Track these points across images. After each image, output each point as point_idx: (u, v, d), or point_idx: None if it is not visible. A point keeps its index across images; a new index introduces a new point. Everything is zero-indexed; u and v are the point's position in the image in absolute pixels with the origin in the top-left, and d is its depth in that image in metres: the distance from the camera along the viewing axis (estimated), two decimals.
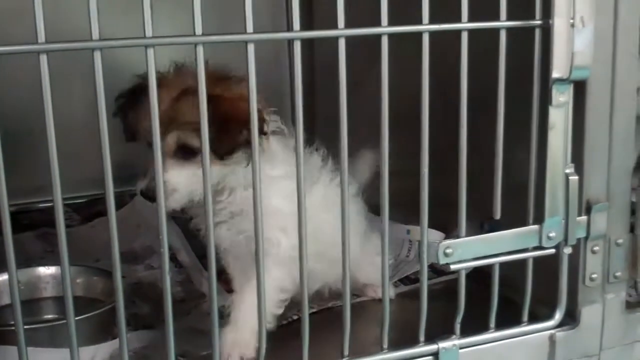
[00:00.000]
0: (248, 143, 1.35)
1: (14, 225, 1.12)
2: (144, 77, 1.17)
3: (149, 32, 1.10)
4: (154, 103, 1.13)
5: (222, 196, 1.50)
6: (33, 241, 2.20)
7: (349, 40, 1.22)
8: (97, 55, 1.08)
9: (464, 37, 1.30)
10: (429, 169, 1.33)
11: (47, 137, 1.08)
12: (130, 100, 1.46)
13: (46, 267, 1.76)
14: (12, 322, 1.14)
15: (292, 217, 1.33)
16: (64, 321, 1.18)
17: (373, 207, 2.32)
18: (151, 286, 1.88)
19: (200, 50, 1.13)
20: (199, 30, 1.12)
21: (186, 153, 1.40)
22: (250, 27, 1.14)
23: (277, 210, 1.44)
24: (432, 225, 1.44)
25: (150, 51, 1.11)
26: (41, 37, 1.04)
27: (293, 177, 1.35)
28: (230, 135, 1.37)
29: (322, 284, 1.66)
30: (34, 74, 1.06)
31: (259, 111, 1.38)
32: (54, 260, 1.82)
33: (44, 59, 1.05)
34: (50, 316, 1.70)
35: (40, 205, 2.39)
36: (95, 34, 1.07)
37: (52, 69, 1.07)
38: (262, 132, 1.41)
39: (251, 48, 1.15)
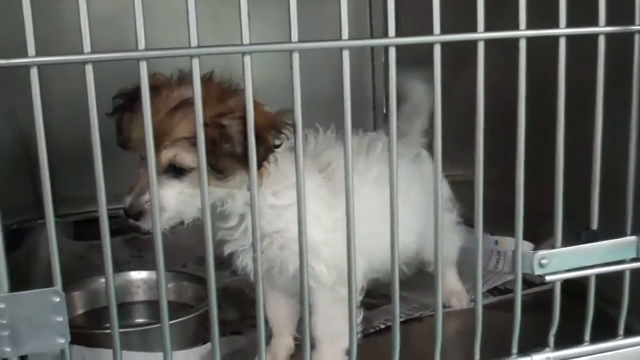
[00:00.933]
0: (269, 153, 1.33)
1: None
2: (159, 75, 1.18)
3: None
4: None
5: (230, 222, 1.44)
6: (121, 246, 2.24)
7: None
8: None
9: (562, 42, 1.27)
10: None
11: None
12: (128, 102, 1.36)
13: (137, 272, 1.79)
14: (107, 325, 1.15)
15: (320, 238, 1.33)
16: (156, 325, 1.19)
17: (464, 218, 2.32)
18: (238, 292, 1.89)
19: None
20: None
21: (178, 170, 1.33)
22: (345, 34, 1.13)
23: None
24: (524, 236, 1.39)
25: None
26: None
27: (315, 194, 1.35)
28: (261, 142, 1.29)
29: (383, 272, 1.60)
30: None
31: (276, 123, 1.35)
32: (141, 265, 1.85)
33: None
34: (141, 320, 1.73)
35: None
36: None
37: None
38: (276, 146, 1.35)
39: (346, 54, 1.14)
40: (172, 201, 1.32)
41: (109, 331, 1.14)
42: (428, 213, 1.26)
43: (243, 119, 1.15)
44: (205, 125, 1.25)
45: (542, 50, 1.25)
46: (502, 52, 1.25)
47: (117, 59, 1.07)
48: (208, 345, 1.47)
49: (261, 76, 1.17)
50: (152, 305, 1.72)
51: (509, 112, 1.28)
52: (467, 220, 2.26)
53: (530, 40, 1.24)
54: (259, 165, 1.31)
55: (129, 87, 1.32)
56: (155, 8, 1.56)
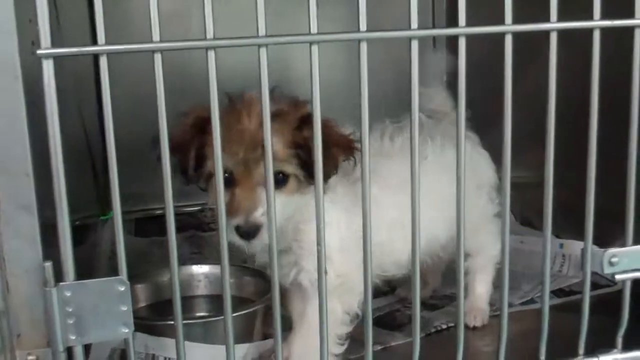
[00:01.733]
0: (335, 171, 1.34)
1: (164, 228, 1.13)
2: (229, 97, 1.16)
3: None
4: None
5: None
6: (181, 243, 2.25)
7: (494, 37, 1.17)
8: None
9: (638, 34, 1.23)
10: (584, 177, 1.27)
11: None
12: (193, 133, 1.34)
13: (199, 266, 1.79)
14: (170, 317, 1.15)
15: (336, 244, 1.30)
16: (218, 318, 1.18)
17: (523, 219, 2.29)
18: None
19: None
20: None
21: (280, 180, 1.32)
22: (415, 23, 1.11)
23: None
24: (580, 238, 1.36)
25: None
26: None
27: (338, 201, 1.34)
28: (331, 158, 1.29)
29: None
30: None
31: (351, 139, 1.36)
32: (205, 261, 1.86)
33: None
34: (202, 314, 1.73)
35: (189, 208, 2.42)
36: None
37: None
38: (351, 158, 1.36)
39: (415, 44, 1.12)
40: (279, 211, 1.26)
41: (171, 322, 1.14)
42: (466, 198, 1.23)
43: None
44: (295, 129, 1.31)
45: (615, 44, 1.22)
46: (570, 47, 1.22)
47: (186, 47, 1.08)
48: (269, 340, 1.46)
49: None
50: (213, 299, 1.73)
51: (576, 110, 1.25)
52: (531, 223, 2.25)
53: (603, 32, 1.21)
54: (325, 178, 1.30)
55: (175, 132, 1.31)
56: (221, 6, 1.56)
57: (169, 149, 1.11)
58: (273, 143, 1.21)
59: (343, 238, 1.40)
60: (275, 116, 1.22)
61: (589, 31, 1.21)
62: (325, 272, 1.17)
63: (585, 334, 1.34)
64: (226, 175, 1.28)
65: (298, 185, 1.35)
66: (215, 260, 1.58)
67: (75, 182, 2.06)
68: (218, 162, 1.10)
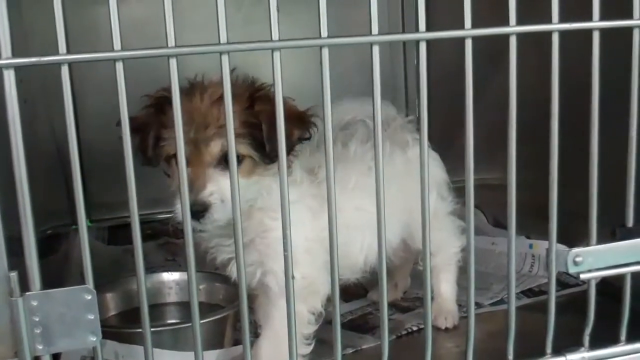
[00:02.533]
0: (299, 142, 1.35)
1: None
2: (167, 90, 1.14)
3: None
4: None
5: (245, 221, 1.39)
6: (154, 250, 2.25)
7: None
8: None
9: (596, 37, 1.25)
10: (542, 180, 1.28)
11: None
12: (154, 114, 1.36)
13: (170, 273, 1.79)
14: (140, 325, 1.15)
15: (301, 245, 1.30)
16: (187, 325, 1.18)
17: (495, 221, 2.30)
18: None
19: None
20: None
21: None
22: (375, 29, 1.12)
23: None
24: (557, 239, 1.37)
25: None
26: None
27: (304, 201, 1.34)
28: (287, 135, 1.26)
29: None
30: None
31: (307, 114, 1.36)
32: (177, 268, 1.86)
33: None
34: (173, 321, 1.72)
35: (162, 215, 2.42)
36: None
37: None
38: (307, 138, 1.37)
39: (376, 50, 1.13)
40: (228, 192, 1.26)
41: (140, 330, 1.14)
42: (417, 200, 1.24)
43: (271, 110, 1.14)
44: (246, 109, 1.31)
45: (574, 47, 1.24)
46: (534, 51, 1.24)
47: (147, 56, 1.08)
48: (240, 346, 1.46)
49: (290, 77, 1.16)
50: (184, 307, 1.73)
51: (540, 112, 1.26)
52: (503, 224, 2.26)
53: (562, 36, 1.22)
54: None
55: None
56: (185, 13, 1.56)
57: (130, 129, 1.11)
58: (221, 124, 1.26)
59: (308, 239, 1.40)
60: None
61: (547, 33, 1.22)
62: (293, 277, 1.18)
63: (552, 333, 1.35)
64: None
65: (253, 166, 1.35)
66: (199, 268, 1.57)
67: (47, 191, 2.07)
68: (180, 149, 1.11)
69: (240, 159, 1.31)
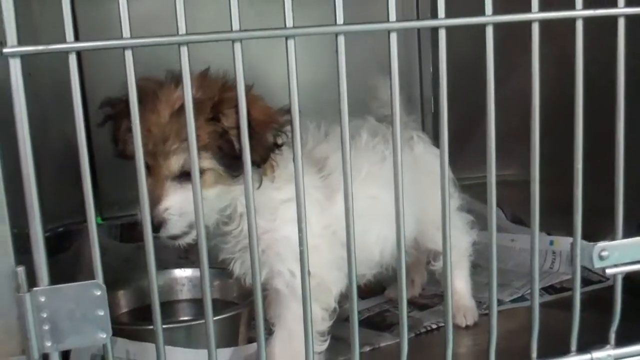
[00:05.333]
0: (275, 148, 1.30)
1: None
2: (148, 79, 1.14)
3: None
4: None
5: (232, 224, 1.40)
6: (167, 248, 2.21)
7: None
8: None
9: (621, 23, 1.21)
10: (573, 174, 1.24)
11: None
12: (124, 108, 1.26)
13: (182, 269, 1.77)
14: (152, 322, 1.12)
15: (310, 241, 1.19)
16: (200, 321, 1.16)
17: (514, 217, 2.27)
18: None
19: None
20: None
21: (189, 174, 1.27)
22: (393, 16, 1.08)
23: (288, 239, 1.28)
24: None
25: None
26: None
27: (309, 191, 1.24)
28: (260, 141, 1.26)
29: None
30: None
31: (276, 119, 1.30)
32: (190, 265, 1.83)
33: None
34: (186, 318, 1.70)
35: None
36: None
37: None
38: (278, 145, 1.32)
39: (394, 37, 1.09)
40: (189, 207, 1.23)
41: (152, 327, 1.11)
42: (424, 197, 1.20)
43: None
44: (210, 120, 1.26)
45: (597, 36, 1.20)
46: (552, 42, 1.20)
47: (157, 43, 1.04)
48: (253, 344, 1.43)
49: (303, 70, 1.12)
50: (197, 304, 1.70)
51: (560, 106, 1.23)
52: (521, 221, 2.23)
53: (586, 26, 1.18)
54: (259, 164, 1.28)
55: (113, 96, 1.31)
56: (196, 7, 1.53)
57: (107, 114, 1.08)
58: (183, 137, 1.22)
59: (314, 235, 1.34)
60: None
61: (572, 23, 1.18)
62: (309, 273, 1.14)
63: (577, 330, 1.31)
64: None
65: (217, 178, 1.31)
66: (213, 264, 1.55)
67: (58, 189, 2.05)
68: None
69: (201, 171, 1.25)
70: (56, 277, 1.07)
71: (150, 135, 1.26)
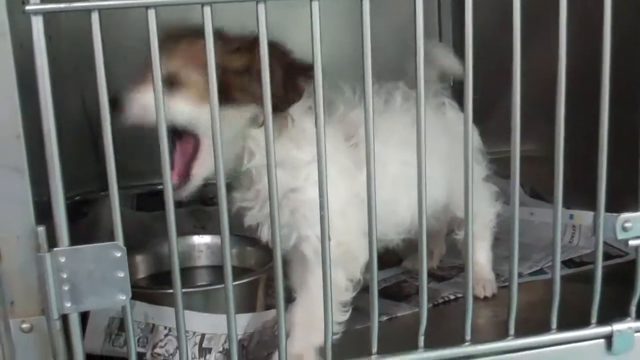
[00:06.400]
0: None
1: None
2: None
3: None
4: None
5: (250, 178, 1.36)
6: (184, 218, 2.22)
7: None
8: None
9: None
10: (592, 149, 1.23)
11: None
12: None
13: (200, 236, 1.76)
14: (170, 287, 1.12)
15: (336, 207, 1.19)
16: (218, 286, 1.16)
17: (533, 192, 2.25)
18: None
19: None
20: None
21: (171, 80, 1.26)
22: None
23: (315, 201, 1.17)
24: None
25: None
26: None
27: (334, 159, 1.26)
28: (291, 82, 1.25)
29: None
30: None
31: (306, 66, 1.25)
32: (208, 231, 1.83)
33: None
34: (204, 284, 1.68)
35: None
36: None
37: None
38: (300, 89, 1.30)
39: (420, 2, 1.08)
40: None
41: (171, 291, 1.11)
42: (455, 164, 1.18)
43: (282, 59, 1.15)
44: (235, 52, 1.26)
45: (628, 13, 1.18)
46: (583, 15, 1.18)
47: (181, 3, 1.04)
48: (272, 311, 1.43)
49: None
50: (215, 270, 1.70)
51: (582, 81, 1.21)
52: (540, 196, 2.21)
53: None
54: (281, 106, 1.26)
55: None
56: None
57: None
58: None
59: (343, 200, 1.33)
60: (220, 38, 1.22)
61: None
62: (330, 239, 1.13)
63: (597, 302, 1.30)
64: None
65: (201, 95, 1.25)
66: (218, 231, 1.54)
67: (76, 158, 2.05)
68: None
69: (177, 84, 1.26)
70: (74, 244, 1.07)
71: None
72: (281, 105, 1.26)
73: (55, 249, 1.05)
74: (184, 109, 1.26)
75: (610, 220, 1.26)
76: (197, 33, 1.10)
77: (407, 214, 1.46)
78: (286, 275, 1.43)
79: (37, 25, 0.99)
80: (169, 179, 1.09)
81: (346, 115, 1.43)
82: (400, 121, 1.45)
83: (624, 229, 1.26)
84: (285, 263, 1.39)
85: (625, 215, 1.26)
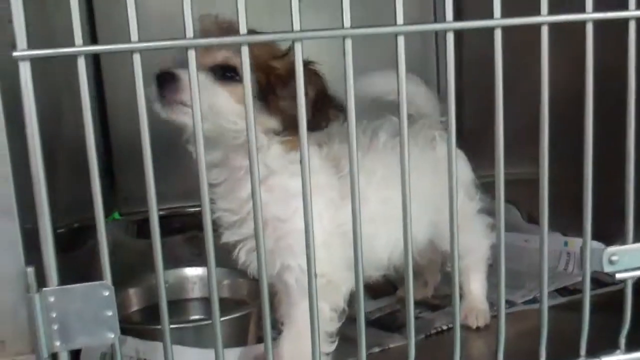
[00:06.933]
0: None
1: (165, 229, 1.12)
2: None
3: (296, 27, 1.06)
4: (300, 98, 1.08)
5: (239, 192, 1.37)
6: (182, 244, 2.23)
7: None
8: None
9: (632, 27, 1.19)
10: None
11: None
12: None
13: (194, 268, 1.77)
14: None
15: (319, 239, 1.19)
16: (209, 322, 1.17)
17: (530, 217, 2.25)
18: None
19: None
20: (347, 23, 1.07)
21: (226, 75, 1.30)
22: (400, 19, 1.08)
23: (301, 232, 1.15)
24: (593, 236, 1.32)
25: (298, 45, 1.06)
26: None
27: (321, 191, 1.29)
28: (322, 109, 1.29)
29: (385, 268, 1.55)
30: None
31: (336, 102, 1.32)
32: (202, 263, 1.83)
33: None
34: (197, 317, 1.71)
35: (191, 209, 2.40)
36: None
37: None
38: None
39: (401, 40, 1.09)
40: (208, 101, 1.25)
41: (160, 327, 1.13)
42: (442, 200, 1.19)
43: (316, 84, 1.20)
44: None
45: (610, 38, 1.19)
46: (567, 42, 1.19)
47: (165, 47, 1.05)
48: (262, 345, 1.44)
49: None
50: (208, 302, 1.67)
51: (577, 105, 1.22)
52: (537, 221, 2.21)
53: (597, 26, 1.17)
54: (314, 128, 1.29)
55: None
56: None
57: None
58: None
59: (326, 232, 1.35)
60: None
61: (582, 25, 1.17)
62: (316, 276, 1.15)
63: (586, 334, 1.30)
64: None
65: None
66: (223, 263, 1.55)
67: (74, 184, 2.06)
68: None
69: (237, 78, 1.28)
70: (72, 273, 1.10)
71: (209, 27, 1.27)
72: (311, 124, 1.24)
73: (44, 288, 1.06)
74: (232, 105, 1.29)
75: (597, 253, 1.27)
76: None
77: (384, 252, 1.48)
78: (275, 309, 1.44)
79: (25, 71, 1.01)
80: (155, 209, 1.10)
81: (335, 148, 1.44)
82: (383, 159, 1.47)
83: (611, 262, 1.27)
84: (272, 295, 1.40)
85: (612, 248, 1.26)
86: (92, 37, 2.36)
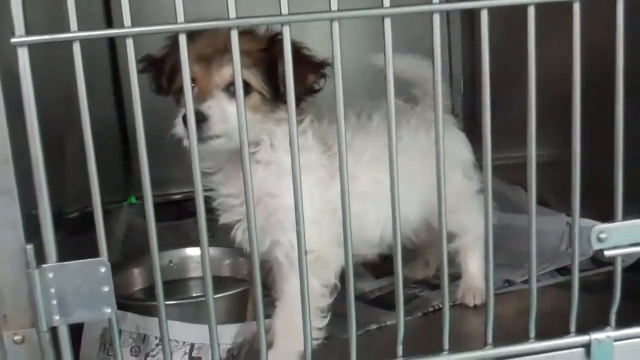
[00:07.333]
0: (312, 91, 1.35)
1: (179, 213, 1.14)
2: None
3: (284, 10, 1.09)
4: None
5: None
6: (195, 227, 2.26)
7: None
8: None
9: (620, 6, 1.21)
10: (589, 157, 1.26)
11: None
12: (173, 48, 1.33)
13: (195, 248, 1.80)
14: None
15: (308, 215, 1.20)
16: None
17: (540, 198, 2.26)
18: None
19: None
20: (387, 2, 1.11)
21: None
22: (387, 1, 1.11)
23: (291, 208, 1.18)
24: (594, 216, 1.36)
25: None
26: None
27: (312, 169, 1.33)
28: (300, 77, 1.27)
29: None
30: None
31: (323, 62, 1.35)
32: (211, 244, 1.87)
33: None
34: (199, 294, 1.73)
35: (205, 193, 2.42)
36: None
37: None
38: (318, 89, 1.37)
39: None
40: (230, 118, 1.30)
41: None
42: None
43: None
44: (263, 50, 1.34)
45: (605, 20, 1.20)
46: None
47: (159, 32, 1.10)
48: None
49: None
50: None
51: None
52: (545, 203, 2.22)
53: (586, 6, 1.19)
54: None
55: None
56: None
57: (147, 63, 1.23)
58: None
59: (315, 209, 1.39)
60: (244, 34, 1.28)
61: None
62: (306, 253, 1.18)
63: (576, 310, 1.32)
64: (193, 86, 1.31)
65: (262, 102, 1.36)
66: (225, 243, 1.59)
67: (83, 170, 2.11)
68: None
69: (248, 90, 1.33)
70: (85, 256, 1.15)
71: (210, 45, 1.33)
72: (283, 97, 1.25)
73: (43, 265, 1.11)
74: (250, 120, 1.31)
75: (585, 231, 1.28)
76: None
77: (375, 229, 1.51)
78: (269, 286, 1.48)
79: (23, 56, 1.05)
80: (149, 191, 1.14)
81: (327, 127, 1.47)
82: (373, 142, 1.50)
83: (599, 240, 1.28)
84: (265, 272, 1.44)
85: (600, 226, 1.28)
86: (107, 21, 2.42)
